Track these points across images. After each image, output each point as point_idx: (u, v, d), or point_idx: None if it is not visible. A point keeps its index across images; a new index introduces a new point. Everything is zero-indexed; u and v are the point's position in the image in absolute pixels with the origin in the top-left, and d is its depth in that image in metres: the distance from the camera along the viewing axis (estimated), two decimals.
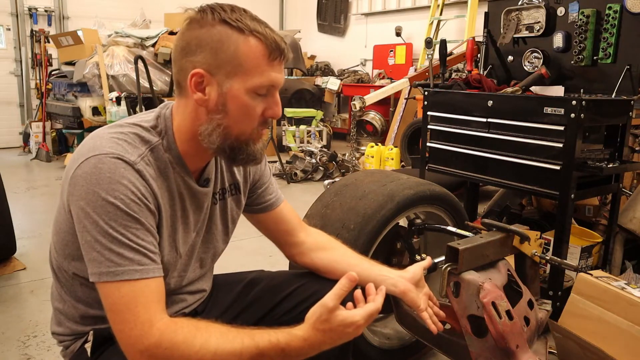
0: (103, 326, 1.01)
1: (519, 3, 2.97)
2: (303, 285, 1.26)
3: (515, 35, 3.00)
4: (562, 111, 1.96)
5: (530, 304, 1.37)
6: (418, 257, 1.66)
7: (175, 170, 1.01)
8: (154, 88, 5.08)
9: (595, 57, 2.71)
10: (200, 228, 1.12)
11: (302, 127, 6.31)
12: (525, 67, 3.01)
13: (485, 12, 3.21)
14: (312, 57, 8.72)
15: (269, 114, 0.99)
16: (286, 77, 8.02)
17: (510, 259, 1.48)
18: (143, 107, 4.75)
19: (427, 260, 1.32)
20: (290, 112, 6.50)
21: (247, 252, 3.09)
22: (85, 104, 5.87)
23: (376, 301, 0.98)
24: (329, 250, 1.29)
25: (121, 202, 0.87)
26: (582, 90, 2.71)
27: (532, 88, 2.83)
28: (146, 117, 1.02)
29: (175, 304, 1.14)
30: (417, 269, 1.26)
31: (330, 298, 0.92)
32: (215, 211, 1.15)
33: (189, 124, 0.99)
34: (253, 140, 1.00)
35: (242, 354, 0.88)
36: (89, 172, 0.88)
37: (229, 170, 1.17)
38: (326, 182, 4.14)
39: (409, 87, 5.46)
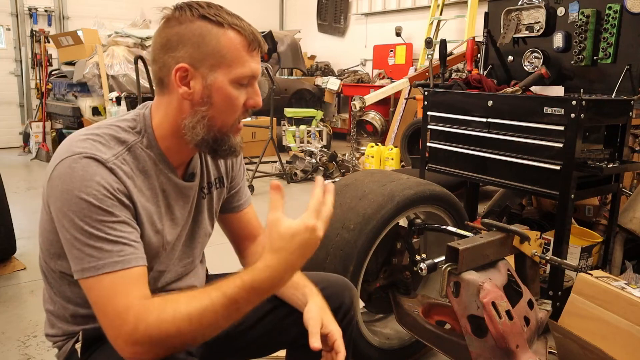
0: (93, 326, 1.01)
1: (519, 3, 2.98)
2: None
3: (515, 35, 3.01)
4: (562, 111, 1.96)
5: (530, 304, 1.37)
6: (418, 257, 1.66)
7: (157, 167, 1.03)
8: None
9: (595, 57, 2.72)
10: (186, 222, 1.13)
11: (302, 127, 6.31)
12: (525, 67, 3.01)
13: (485, 12, 3.21)
14: (312, 57, 8.73)
15: (251, 103, 1.03)
16: (286, 77, 8.05)
17: (510, 259, 1.48)
18: None
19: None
20: (290, 112, 6.49)
21: None
22: (85, 104, 5.88)
23: (325, 199, 0.95)
24: None
25: (94, 198, 0.89)
26: (582, 90, 2.71)
27: (532, 88, 2.83)
28: (124, 117, 1.04)
29: None
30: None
31: (270, 214, 0.90)
32: (203, 205, 1.17)
33: (171, 120, 1.01)
34: (233, 133, 1.04)
35: (215, 306, 0.87)
36: (63, 173, 0.91)
37: (214, 164, 1.20)
38: (326, 182, 4.14)
39: (409, 87, 5.46)
